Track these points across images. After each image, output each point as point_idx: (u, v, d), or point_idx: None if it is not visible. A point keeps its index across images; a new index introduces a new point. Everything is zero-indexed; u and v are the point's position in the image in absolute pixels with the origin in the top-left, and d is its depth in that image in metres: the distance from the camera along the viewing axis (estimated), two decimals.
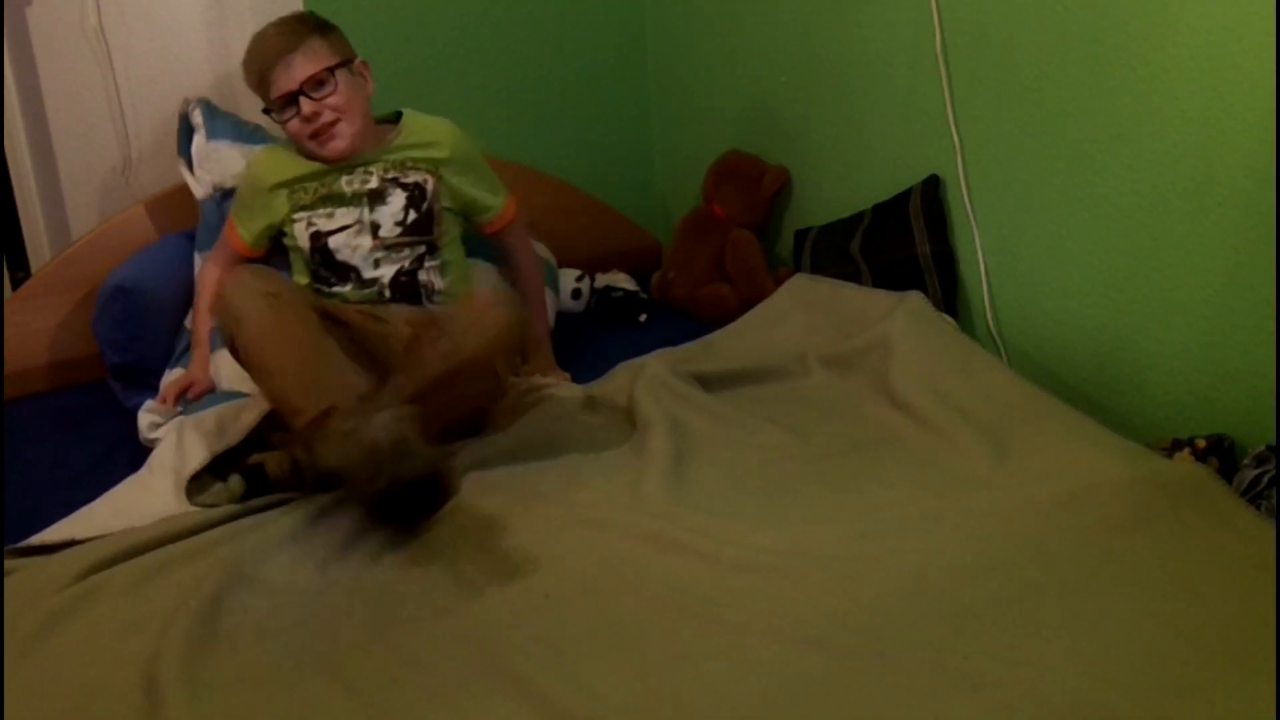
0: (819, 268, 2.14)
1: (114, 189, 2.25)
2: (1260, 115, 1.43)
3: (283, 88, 1.79)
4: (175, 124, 2.12)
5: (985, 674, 1.08)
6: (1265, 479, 1.40)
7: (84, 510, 1.60)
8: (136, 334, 1.97)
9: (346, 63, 1.83)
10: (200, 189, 2.07)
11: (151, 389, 1.93)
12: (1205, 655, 1.10)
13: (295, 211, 1.86)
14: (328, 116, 1.80)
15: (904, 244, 1.97)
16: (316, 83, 1.79)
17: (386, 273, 1.84)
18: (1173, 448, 1.51)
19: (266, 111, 1.84)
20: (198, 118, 2.07)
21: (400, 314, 1.81)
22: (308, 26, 1.81)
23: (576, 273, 2.41)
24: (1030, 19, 1.73)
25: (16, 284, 2.12)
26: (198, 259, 2.08)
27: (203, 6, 2.25)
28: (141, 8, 2.20)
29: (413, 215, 1.85)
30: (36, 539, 1.52)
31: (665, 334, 2.17)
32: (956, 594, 1.21)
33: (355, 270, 1.85)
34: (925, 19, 1.91)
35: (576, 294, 2.39)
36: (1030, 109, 1.76)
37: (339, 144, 1.82)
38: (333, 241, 1.84)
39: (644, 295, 2.44)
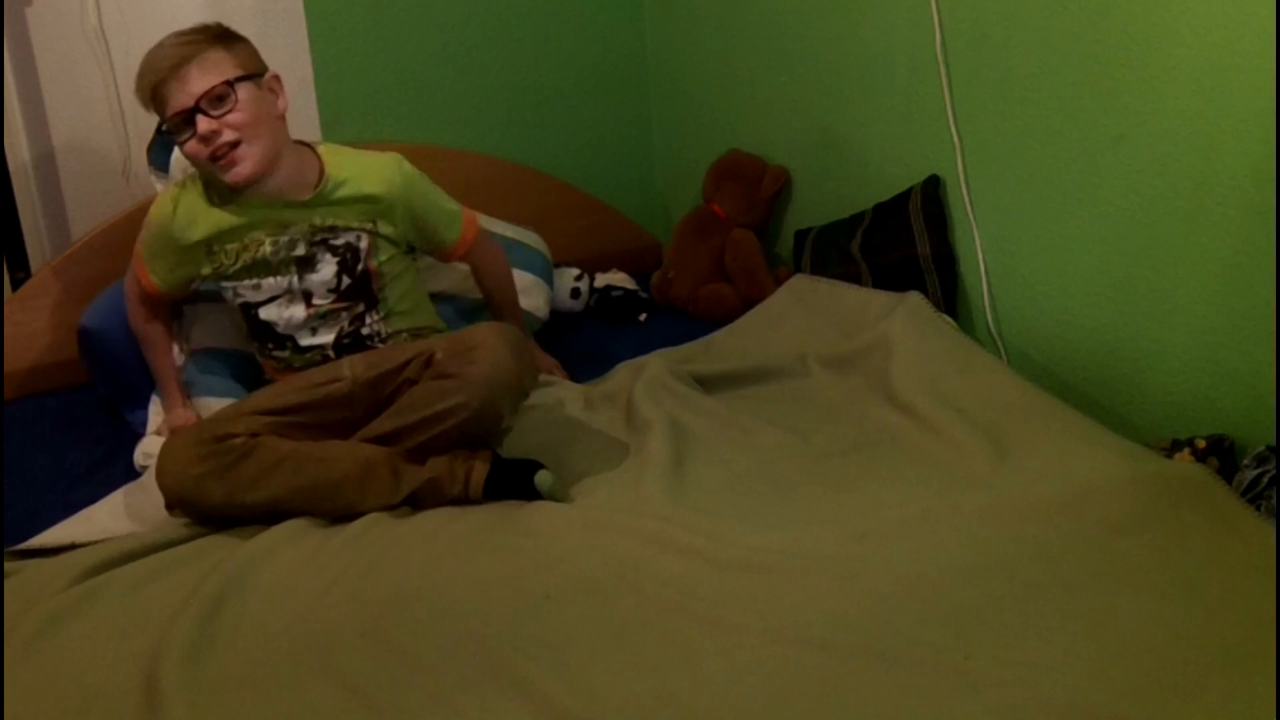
0: (819, 268, 2.14)
1: (114, 189, 2.25)
2: (1260, 115, 1.43)
3: (178, 104, 1.59)
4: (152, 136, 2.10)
5: (985, 674, 1.08)
6: (1265, 479, 1.40)
7: (84, 513, 1.60)
8: (112, 369, 1.94)
9: (252, 76, 1.64)
10: None
11: (145, 406, 1.91)
12: (1205, 655, 1.10)
13: (219, 280, 1.73)
14: (228, 136, 1.60)
15: (904, 244, 1.97)
16: (214, 98, 1.58)
17: (326, 339, 1.72)
18: (1173, 448, 1.51)
19: (164, 132, 1.67)
20: None
21: (355, 363, 1.67)
22: (208, 36, 1.63)
23: (575, 271, 2.41)
24: (1030, 19, 1.73)
25: (16, 284, 2.12)
26: None
27: (203, 6, 2.25)
28: (141, 8, 2.20)
29: (346, 281, 1.71)
30: (36, 541, 1.52)
31: (665, 334, 2.17)
32: (957, 594, 1.21)
33: (291, 338, 1.73)
34: (925, 19, 1.90)
35: (576, 293, 2.39)
36: (1030, 109, 1.76)
37: (243, 169, 1.62)
38: (264, 313, 1.72)
39: (644, 295, 2.44)
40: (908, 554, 1.29)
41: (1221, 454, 1.48)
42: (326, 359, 1.72)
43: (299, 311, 1.71)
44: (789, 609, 1.21)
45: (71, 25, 2.15)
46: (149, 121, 2.22)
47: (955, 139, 1.90)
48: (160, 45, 1.63)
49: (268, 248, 1.69)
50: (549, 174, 2.57)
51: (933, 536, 1.32)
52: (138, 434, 1.86)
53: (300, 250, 1.69)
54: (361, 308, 1.74)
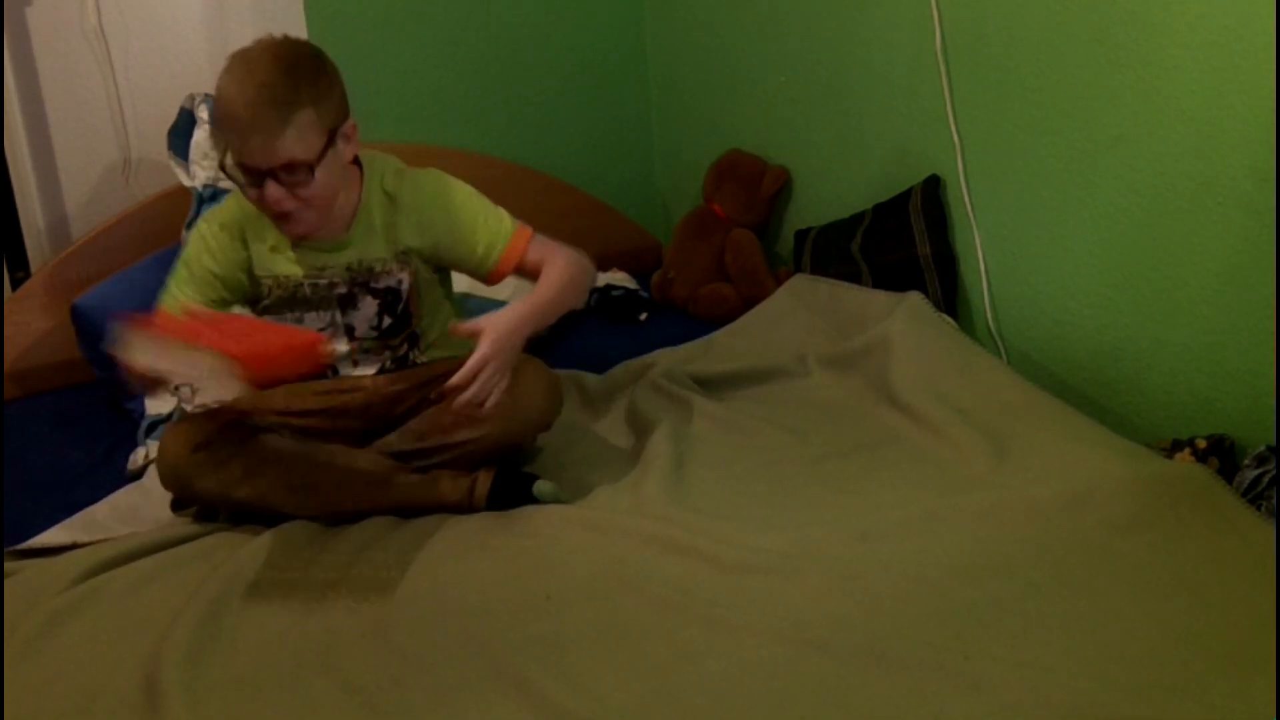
0: (819, 268, 2.14)
1: (114, 189, 2.25)
2: (1260, 115, 1.43)
3: (253, 162, 1.46)
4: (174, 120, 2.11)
5: (986, 674, 1.08)
6: (1265, 479, 1.40)
7: (84, 513, 1.60)
8: (105, 348, 1.94)
9: (333, 142, 1.51)
10: (191, 181, 2.05)
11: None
12: (1205, 655, 1.10)
13: (258, 311, 1.64)
14: (292, 206, 1.49)
15: (904, 244, 1.97)
16: (292, 170, 1.47)
17: (368, 370, 1.67)
18: (1173, 448, 1.51)
19: (223, 169, 1.51)
20: (203, 112, 2.06)
21: (379, 380, 1.66)
22: (304, 86, 1.47)
23: None
24: (1030, 19, 1.73)
25: (16, 284, 2.12)
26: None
27: (203, 6, 2.25)
28: (141, 8, 2.20)
29: (388, 320, 1.64)
30: (37, 541, 1.52)
31: (665, 333, 2.17)
32: (957, 594, 1.21)
33: (333, 369, 1.67)
34: (925, 19, 1.90)
35: None
36: (1030, 109, 1.76)
37: (297, 229, 1.54)
38: None
39: (644, 294, 2.44)
40: (908, 554, 1.29)
41: (1221, 454, 1.48)
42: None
43: (343, 345, 1.66)
44: (789, 609, 1.21)
45: (71, 25, 2.15)
46: (149, 122, 2.23)
47: (955, 139, 1.90)
48: (245, 93, 1.43)
49: (306, 288, 1.61)
50: (549, 174, 2.57)
51: (933, 537, 1.33)
52: (137, 422, 1.86)
53: (341, 290, 1.62)
54: (405, 347, 1.69)
